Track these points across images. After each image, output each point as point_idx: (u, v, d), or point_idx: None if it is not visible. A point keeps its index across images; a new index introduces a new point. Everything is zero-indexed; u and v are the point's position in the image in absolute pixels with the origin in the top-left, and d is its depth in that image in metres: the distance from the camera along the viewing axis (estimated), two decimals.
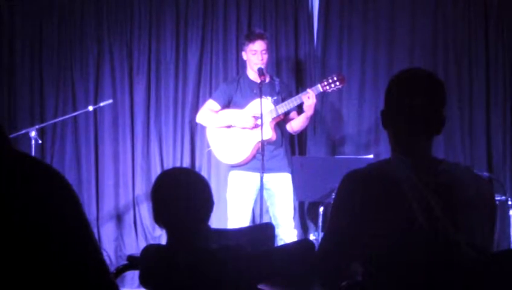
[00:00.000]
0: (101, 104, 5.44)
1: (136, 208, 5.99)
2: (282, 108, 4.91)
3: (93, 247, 1.46)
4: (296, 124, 5.05)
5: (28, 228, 1.36)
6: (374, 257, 2.11)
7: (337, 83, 4.90)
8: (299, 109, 5.03)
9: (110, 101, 5.51)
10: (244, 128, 4.95)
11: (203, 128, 5.29)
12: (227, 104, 5.09)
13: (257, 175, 4.79)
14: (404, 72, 2.25)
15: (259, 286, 2.42)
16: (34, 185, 1.40)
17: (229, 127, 5.02)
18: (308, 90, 4.89)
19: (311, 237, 5.49)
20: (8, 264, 1.35)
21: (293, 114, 5.08)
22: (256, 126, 4.90)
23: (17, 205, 1.37)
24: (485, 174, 5.19)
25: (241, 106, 5.02)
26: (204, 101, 5.42)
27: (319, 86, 4.91)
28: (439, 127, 2.18)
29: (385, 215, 2.06)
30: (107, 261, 5.78)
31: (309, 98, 4.82)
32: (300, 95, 4.93)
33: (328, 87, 4.90)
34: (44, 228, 1.38)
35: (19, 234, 1.36)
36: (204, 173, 5.72)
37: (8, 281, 1.35)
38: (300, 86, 5.84)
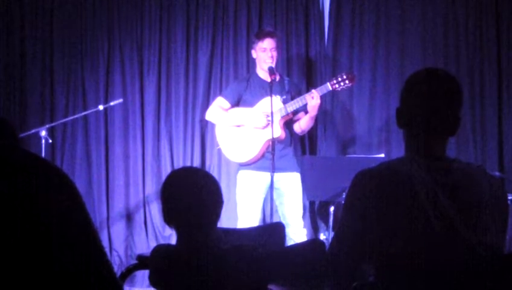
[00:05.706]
0: (111, 103, 5.44)
1: (146, 208, 5.99)
2: (291, 106, 4.89)
3: (96, 246, 1.45)
4: (301, 124, 5.03)
5: (29, 227, 1.36)
6: (386, 257, 2.10)
7: (347, 82, 4.84)
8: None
9: (121, 100, 5.51)
10: (256, 128, 4.94)
11: (213, 127, 5.28)
12: (236, 103, 5.08)
13: (266, 174, 4.78)
14: (423, 72, 2.24)
15: (269, 286, 2.41)
16: (34, 184, 1.39)
17: (239, 126, 5.01)
18: (313, 90, 4.85)
19: (322, 236, 5.48)
20: (9, 265, 1.35)
21: (301, 114, 5.06)
22: (268, 125, 4.89)
23: (18, 204, 1.36)
24: (497, 173, 5.17)
25: (250, 104, 5.01)
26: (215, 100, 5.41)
27: (328, 84, 4.87)
28: (454, 128, 2.18)
29: (397, 215, 2.05)
30: (117, 261, 5.84)
31: (313, 99, 4.79)
32: (307, 94, 4.90)
33: (337, 86, 4.85)
34: (46, 227, 1.37)
35: (20, 233, 1.35)
36: (214, 172, 5.71)
37: (9, 281, 1.34)
38: (310, 86, 5.81)
